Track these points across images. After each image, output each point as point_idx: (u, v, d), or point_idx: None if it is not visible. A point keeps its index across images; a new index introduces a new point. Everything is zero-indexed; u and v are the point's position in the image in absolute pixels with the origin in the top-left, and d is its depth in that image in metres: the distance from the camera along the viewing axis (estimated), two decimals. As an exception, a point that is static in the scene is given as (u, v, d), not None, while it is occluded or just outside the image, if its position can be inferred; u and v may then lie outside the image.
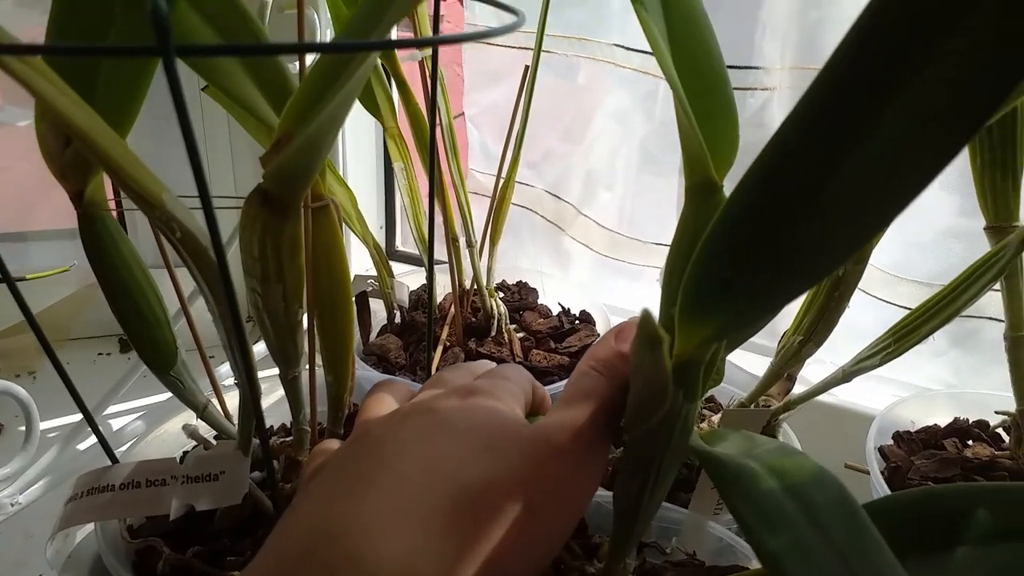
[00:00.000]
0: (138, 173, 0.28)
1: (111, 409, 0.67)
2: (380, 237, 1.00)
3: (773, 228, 0.22)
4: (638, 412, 0.30)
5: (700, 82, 0.38)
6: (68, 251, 0.89)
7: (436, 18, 0.36)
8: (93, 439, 0.61)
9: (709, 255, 0.24)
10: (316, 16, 0.68)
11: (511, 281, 0.78)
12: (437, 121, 0.53)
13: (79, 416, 0.60)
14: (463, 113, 0.87)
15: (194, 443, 0.48)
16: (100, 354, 0.90)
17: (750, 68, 0.61)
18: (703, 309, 0.26)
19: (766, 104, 0.62)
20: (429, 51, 0.58)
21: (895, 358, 0.46)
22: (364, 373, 0.57)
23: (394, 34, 0.52)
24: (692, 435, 0.35)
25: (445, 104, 0.61)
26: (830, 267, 0.22)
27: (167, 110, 0.20)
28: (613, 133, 0.77)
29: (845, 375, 0.49)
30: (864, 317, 0.68)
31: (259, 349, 0.54)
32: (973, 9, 0.16)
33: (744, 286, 0.24)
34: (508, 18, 0.33)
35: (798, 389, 0.54)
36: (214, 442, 0.48)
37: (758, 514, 0.25)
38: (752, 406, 0.54)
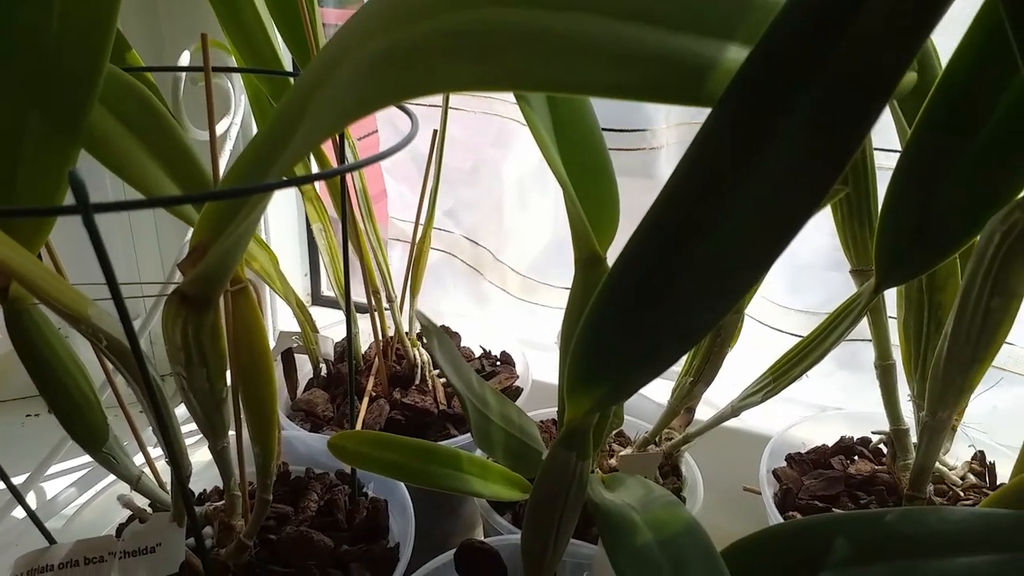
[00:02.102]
0: (61, 293, 0.30)
1: (45, 471, 0.66)
2: (305, 284, 1.02)
3: (648, 298, 0.24)
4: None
5: (584, 168, 0.42)
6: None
7: (342, 148, 0.38)
8: (33, 505, 0.61)
9: (590, 329, 0.26)
10: (231, 85, 0.70)
11: (434, 324, 0.80)
12: (350, 192, 0.55)
13: (16, 480, 0.61)
14: (376, 131, 0.89)
15: (129, 512, 0.49)
16: (28, 415, 0.89)
17: (639, 131, 0.66)
18: (587, 381, 0.29)
19: (655, 159, 0.66)
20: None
21: (775, 395, 0.51)
22: (293, 433, 0.58)
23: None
24: (594, 480, 0.38)
25: (360, 175, 0.63)
26: (701, 331, 0.24)
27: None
28: (523, 183, 0.81)
29: (734, 410, 0.53)
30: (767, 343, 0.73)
31: (181, 411, 0.56)
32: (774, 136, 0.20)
33: (623, 357, 0.26)
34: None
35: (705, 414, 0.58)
36: (149, 510, 0.49)
37: (633, 562, 0.28)
38: (656, 438, 0.57)
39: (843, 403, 0.75)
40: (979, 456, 0.61)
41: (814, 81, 0.19)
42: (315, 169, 0.67)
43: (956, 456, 0.61)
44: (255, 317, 0.42)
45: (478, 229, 0.85)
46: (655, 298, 0.24)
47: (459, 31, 0.23)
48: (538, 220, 0.82)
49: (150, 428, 0.62)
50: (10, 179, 0.33)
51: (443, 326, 0.79)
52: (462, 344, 0.78)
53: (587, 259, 0.40)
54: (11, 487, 0.40)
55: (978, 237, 0.39)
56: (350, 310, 0.50)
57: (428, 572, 0.45)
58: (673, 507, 0.33)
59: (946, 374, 0.43)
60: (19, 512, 0.62)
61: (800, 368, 0.48)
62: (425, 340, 0.78)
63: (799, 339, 0.51)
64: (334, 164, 0.62)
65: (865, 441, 0.64)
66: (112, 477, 0.58)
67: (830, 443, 0.64)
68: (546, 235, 0.84)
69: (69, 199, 0.35)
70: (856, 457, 0.62)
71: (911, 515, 0.36)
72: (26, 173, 0.33)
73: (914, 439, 0.55)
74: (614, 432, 0.60)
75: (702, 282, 0.23)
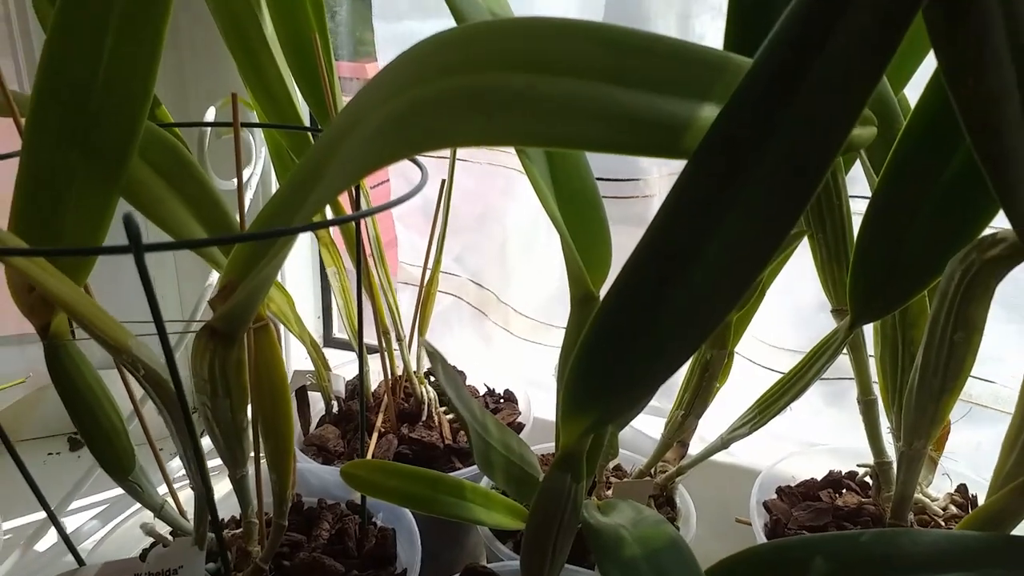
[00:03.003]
0: (105, 325, 0.33)
1: (69, 506, 0.69)
2: (318, 326, 1.05)
3: (631, 331, 0.26)
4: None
5: (579, 215, 0.45)
6: (15, 357, 0.91)
7: (357, 196, 0.42)
8: (52, 540, 0.63)
9: (582, 358, 0.28)
10: (252, 137, 0.74)
11: (440, 364, 0.83)
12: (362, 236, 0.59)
13: (34, 517, 0.63)
14: (388, 180, 0.93)
15: (151, 539, 0.52)
16: (50, 454, 0.92)
17: (632, 180, 0.69)
18: (580, 406, 0.31)
19: (647, 206, 0.70)
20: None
21: (762, 427, 0.53)
22: (306, 466, 0.61)
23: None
24: (589, 505, 0.41)
25: (372, 222, 0.66)
26: (683, 356, 0.26)
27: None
28: (525, 230, 0.84)
29: (724, 442, 0.55)
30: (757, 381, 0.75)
31: (208, 442, 0.58)
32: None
33: (612, 383, 0.28)
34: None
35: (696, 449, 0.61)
36: (170, 538, 0.52)
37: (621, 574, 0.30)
38: (651, 470, 0.60)
39: (832, 440, 0.77)
40: (961, 489, 0.63)
41: (773, 137, 0.22)
42: (330, 216, 0.71)
43: (941, 490, 0.63)
44: (275, 353, 0.45)
45: (483, 272, 0.88)
46: (640, 328, 0.26)
47: (466, 93, 0.25)
48: (542, 264, 0.86)
49: (171, 461, 0.64)
50: (59, 221, 0.36)
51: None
52: (467, 383, 0.81)
53: (582, 298, 0.43)
54: (47, 509, 0.42)
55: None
56: (362, 349, 0.52)
57: (434, 594, 0.47)
58: (660, 525, 0.35)
59: (918, 404, 0.46)
60: (41, 546, 0.64)
61: (783, 401, 0.50)
62: (432, 375, 0.81)
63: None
64: (349, 212, 0.66)
65: (852, 475, 0.66)
66: (132, 510, 0.60)
67: (819, 477, 0.66)
68: (552, 279, 0.86)
69: (110, 240, 0.38)
70: (844, 490, 0.64)
71: (885, 536, 0.38)
72: (73, 215, 0.36)
73: (898, 471, 0.57)
74: (612, 466, 0.62)
75: (682, 311, 0.26)
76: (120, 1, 0.35)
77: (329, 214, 0.69)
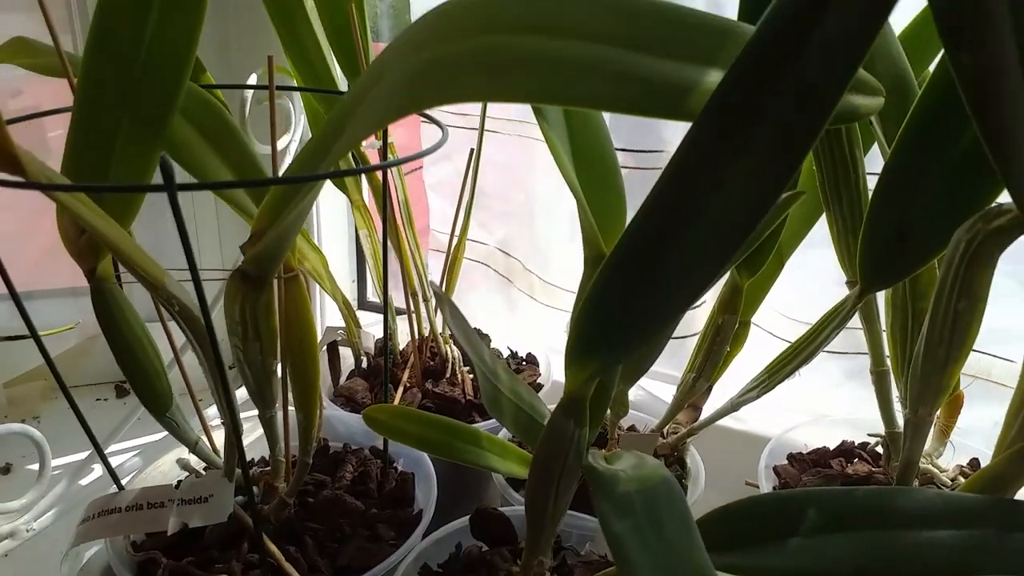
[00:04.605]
0: (144, 262, 0.35)
1: (111, 449, 0.72)
2: (353, 289, 1.07)
3: (636, 279, 0.27)
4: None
5: (596, 181, 0.46)
6: (68, 308, 0.95)
7: (384, 142, 0.43)
8: (95, 475, 0.67)
9: (587, 308, 0.29)
10: (291, 104, 0.76)
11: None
12: (393, 205, 0.60)
13: (81, 455, 0.66)
14: (420, 168, 0.95)
15: (186, 474, 0.54)
16: (98, 400, 0.96)
17: (654, 152, 0.70)
18: (583, 353, 0.32)
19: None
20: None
21: (771, 391, 0.54)
22: (333, 412, 0.63)
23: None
24: (595, 455, 0.42)
25: (401, 185, 0.68)
26: (683, 306, 0.28)
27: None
28: (552, 200, 0.85)
29: (733, 405, 0.56)
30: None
31: (240, 393, 0.61)
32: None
33: (614, 330, 0.30)
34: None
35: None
36: (204, 472, 0.54)
37: (613, 506, 0.31)
38: (663, 431, 0.61)
39: (852, 413, 0.77)
40: (973, 463, 0.63)
41: (775, 97, 0.23)
42: (365, 188, 0.73)
43: (954, 465, 0.63)
44: (304, 302, 0.47)
45: (510, 241, 0.90)
46: (644, 276, 0.27)
47: (483, 52, 0.26)
48: (568, 234, 0.86)
49: (208, 408, 0.67)
50: (106, 169, 0.38)
51: (476, 328, 0.84)
52: (491, 346, 0.83)
53: (594, 258, 0.44)
54: (94, 442, 0.45)
55: (949, 247, 0.42)
56: (387, 296, 0.54)
57: (446, 532, 0.49)
58: (656, 468, 0.36)
59: (923, 373, 0.46)
60: (85, 480, 0.67)
61: (791, 367, 0.51)
62: (440, 310, 0.82)
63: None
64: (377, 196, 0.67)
65: (864, 445, 0.66)
66: (170, 453, 0.63)
67: (832, 447, 0.67)
68: (576, 248, 0.87)
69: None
70: (855, 460, 0.65)
71: (881, 492, 0.39)
72: (119, 164, 0.38)
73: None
74: (627, 427, 0.63)
75: (683, 263, 0.27)
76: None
77: (365, 187, 0.71)
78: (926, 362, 0.46)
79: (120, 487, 0.47)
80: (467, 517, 0.49)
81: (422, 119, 0.78)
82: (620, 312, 0.29)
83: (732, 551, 0.38)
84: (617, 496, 0.32)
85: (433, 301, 0.73)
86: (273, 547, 0.46)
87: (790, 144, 0.24)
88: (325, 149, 0.32)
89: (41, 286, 0.96)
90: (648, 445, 0.55)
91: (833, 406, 0.80)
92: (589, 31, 0.26)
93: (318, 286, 0.72)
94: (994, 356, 0.71)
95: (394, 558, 0.47)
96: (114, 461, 0.77)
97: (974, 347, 0.70)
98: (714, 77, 0.25)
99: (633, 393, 0.82)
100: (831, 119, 0.23)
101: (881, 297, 0.54)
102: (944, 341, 0.44)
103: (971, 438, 0.63)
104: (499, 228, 0.90)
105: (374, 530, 0.50)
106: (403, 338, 0.78)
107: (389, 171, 0.60)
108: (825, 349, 0.60)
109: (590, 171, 0.47)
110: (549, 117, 0.45)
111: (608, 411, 0.58)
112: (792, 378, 0.52)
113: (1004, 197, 0.39)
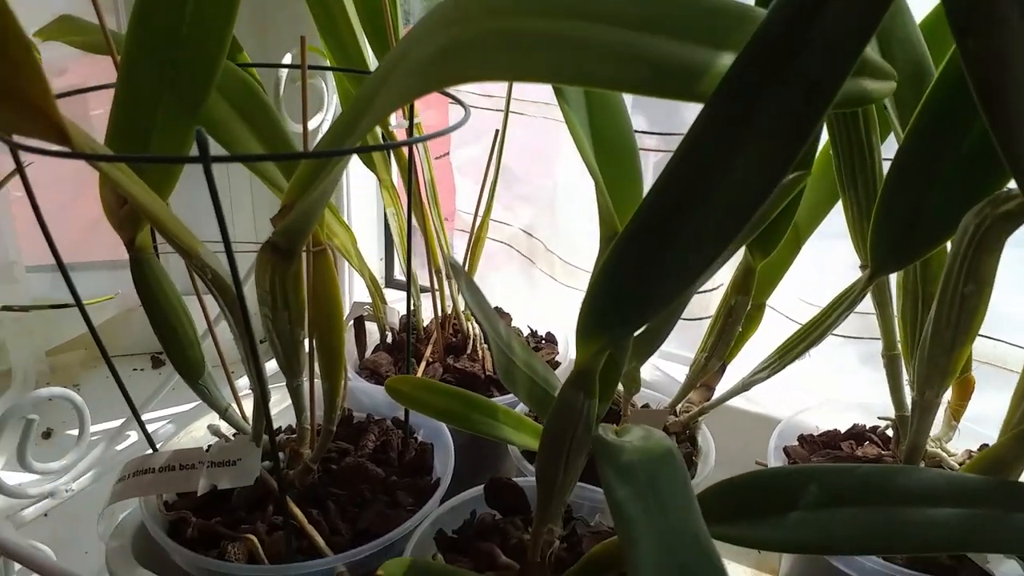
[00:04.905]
0: (180, 232, 0.37)
1: (146, 416, 0.75)
2: (380, 268, 1.09)
3: (646, 253, 0.28)
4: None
5: (615, 162, 0.47)
6: (106, 281, 0.98)
7: (411, 121, 0.45)
8: (131, 440, 0.69)
9: (599, 283, 0.30)
10: (324, 84, 0.77)
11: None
12: (419, 182, 0.62)
13: (119, 421, 0.69)
14: (447, 153, 0.97)
15: (217, 439, 0.57)
16: (135, 369, 0.99)
17: (675, 135, 0.70)
18: (595, 326, 0.33)
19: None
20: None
21: (780, 371, 0.55)
22: (357, 384, 0.65)
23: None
24: (606, 428, 0.43)
25: (428, 166, 0.70)
26: (687, 283, 0.28)
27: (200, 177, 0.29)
28: (574, 182, 0.86)
29: (744, 385, 0.57)
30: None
31: (270, 366, 0.63)
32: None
33: (625, 304, 0.31)
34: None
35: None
36: (233, 438, 0.56)
37: (616, 473, 0.33)
38: (675, 410, 0.62)
39: (865, 397, 0.78)
40: (983, 448, 0.63)
41: (780, 83, 0.24)
42: (394, 169, 0.74)
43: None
44: (331, 275, 0.49)
45: (533, 222, 0.91)
46: (655, 252, 0.28)
47: (504, 33, 0.27)
48: (589, 215, 0.87)
49: (239, 379, 0.69)
50: (146, 143, 0.40)
51: (496, 307, 0.85)
52: (512, 324, 0.84)
53: (609, 237, 0.46)
54: (132, 406, 0.47)
55: (958, 231, 0.42)
56: (411, 267, 0.56)
57: (462, 500, 0.50)
58: (661, 440, 0.37)
59: (931, 356, 0.47)
60: (121, 445, 0.70)
61: (801, 347, 0.52)
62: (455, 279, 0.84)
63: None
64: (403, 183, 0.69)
65: (875, 429, 0.66)
66: (201, 420, 0.65)
67: (842, 430, 0.67)
68: (597, 230, 0.89)
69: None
70: (866, 443, 0.65)
71: (883, 470, 0.40)
72: (158, 138, 0.40)
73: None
74: (640, 405, 0.64)
75: (695, 235, 0.28)
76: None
77: (393, 167, 0.73)
78: (933, 345, 0.46)
79: (154, 448, 0.50)
80: (482, 486, 0.51)
81: (449, 100, 0.80)
82: (633, 284, 0.30)
83: (735, 522, 0.39)
84: (621, 464, 0.33)
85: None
86: (297, 510, 0.48)
87: (803, 114, 0.24)
88: (353, 124, 0.33)
89: (81, 259, 0.99)
90: (658, 421, 0.56)
91: (847, 390, 0.80)
92: (607, 14, 0.27)
93: (347, 263, 0.74)
94: (1009, 344, 0.71)
95: (411, 523, 0.49)
96: (149, 428, 0.81)
97: (989, 334, 0.71)
98: (726, 60, 0.26)
99: (649, 373, 0.84)
100: (840, 103, 0.24)
101: (894, 281, 0.55)
102: (951, 324, 0.45)
103: (983, 425, 0.64)
104: (524, 210, 0.92)
105: (393, 496, 0.52)
106: (427, 315, 0.80)
107: (416, 150, 0.62)
108: (841, 334, 0.61)
109: (608, 153, 0.48)
110: (570, 99, 0.46)
111: (620, 387, 0.60)
112: (802, 358, 0.53)
113: (1014, 183, 0.40)
